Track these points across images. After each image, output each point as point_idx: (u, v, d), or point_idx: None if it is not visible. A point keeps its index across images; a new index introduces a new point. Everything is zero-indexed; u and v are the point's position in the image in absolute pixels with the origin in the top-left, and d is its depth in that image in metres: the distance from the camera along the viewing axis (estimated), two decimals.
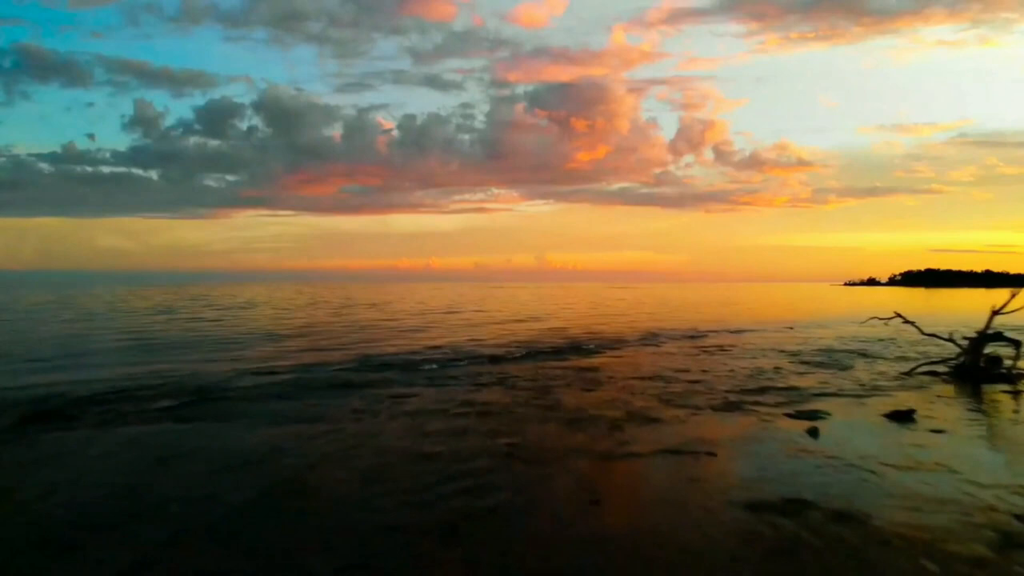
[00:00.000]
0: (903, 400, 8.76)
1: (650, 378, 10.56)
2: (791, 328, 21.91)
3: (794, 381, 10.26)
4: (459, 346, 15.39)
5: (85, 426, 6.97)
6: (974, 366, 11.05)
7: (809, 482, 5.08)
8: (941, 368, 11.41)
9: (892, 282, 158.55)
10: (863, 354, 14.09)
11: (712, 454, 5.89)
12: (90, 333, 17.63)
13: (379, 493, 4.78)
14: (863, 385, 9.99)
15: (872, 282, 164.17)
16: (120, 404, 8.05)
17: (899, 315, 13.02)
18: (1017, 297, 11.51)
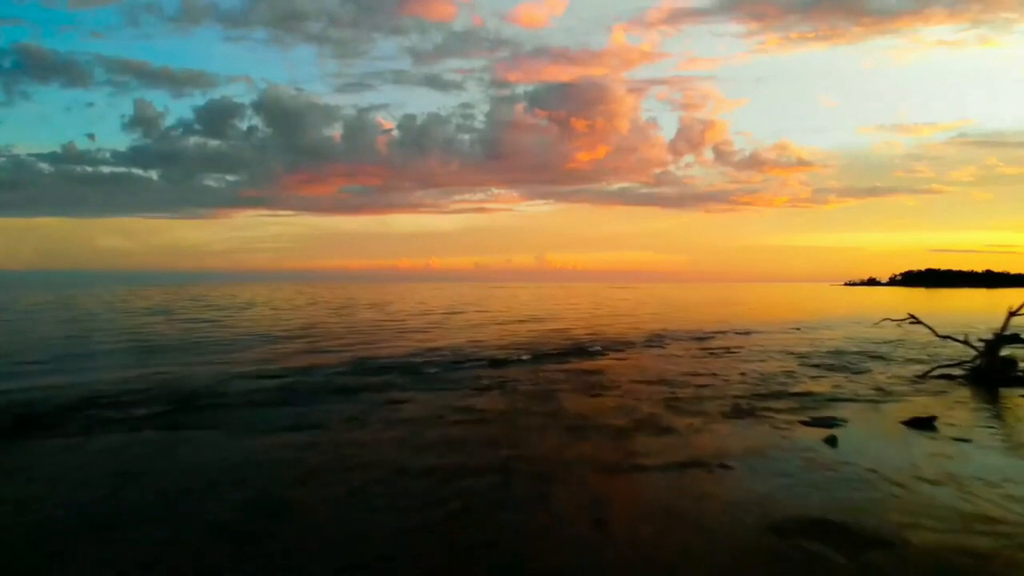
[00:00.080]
0: (921, 405, 8.41)
1: (656, 382, 10.21)
2: (798, 329, 21.54)
3: (806, 385, 9.90)
4: (459, 348, 15.04)
5: (65, 435, 6.63)
6: (991, 369, 10.69)
7: (834, 499, 4.72)
8: (956, 371, 11.05)
9: (892, 282, 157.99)
10: (874, 356, 13.73)
11: (726, 467, 5.53)
12: (85, 334, 17.31)
13: (367, 515, 4.40)
14: (878, 389, 9.64)
15: (872, 282, 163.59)
16: (105, 410, 7.71)
17: (913, 316, 12.66)
18: None
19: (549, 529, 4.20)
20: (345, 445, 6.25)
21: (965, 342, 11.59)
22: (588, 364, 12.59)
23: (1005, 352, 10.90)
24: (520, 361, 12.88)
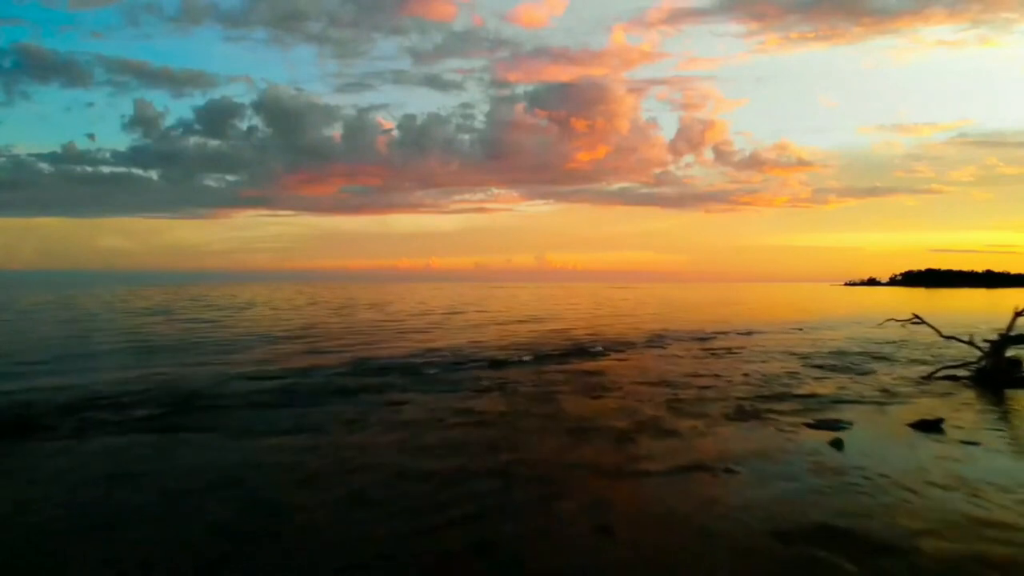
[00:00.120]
0: (926, 407, 8.30)
1: (658, 383, 10.10)
2: (800, 329, 21.42)
3: (810, 387, 9.79)
4: (459, 349, 14.93)
5: (59, 437, 6.53)
6: (996, 370, 10.57)
7: (841, 504, 4.62)
8: (961, 372, 10.94)
9: (893, 282, 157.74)
10: (877, 357, 13.62)
11: (731, 471, 5.42)
12: (84, 335, 17.22)
13: (364, 521, 4.29)
14: (882, 391, 9.53)
15: (872, 282, 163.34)
16: (104, 412, 7.62)
17: (917, 317, 12.55)
18: None
19: (549, 535, 4.10)
20: (344, 448, 6.15)
21: (970, 343, 11.48)
22: (589, 365, 12.48)
23: (1011, 353, 10.79)
24: (520, 362, 12.77)
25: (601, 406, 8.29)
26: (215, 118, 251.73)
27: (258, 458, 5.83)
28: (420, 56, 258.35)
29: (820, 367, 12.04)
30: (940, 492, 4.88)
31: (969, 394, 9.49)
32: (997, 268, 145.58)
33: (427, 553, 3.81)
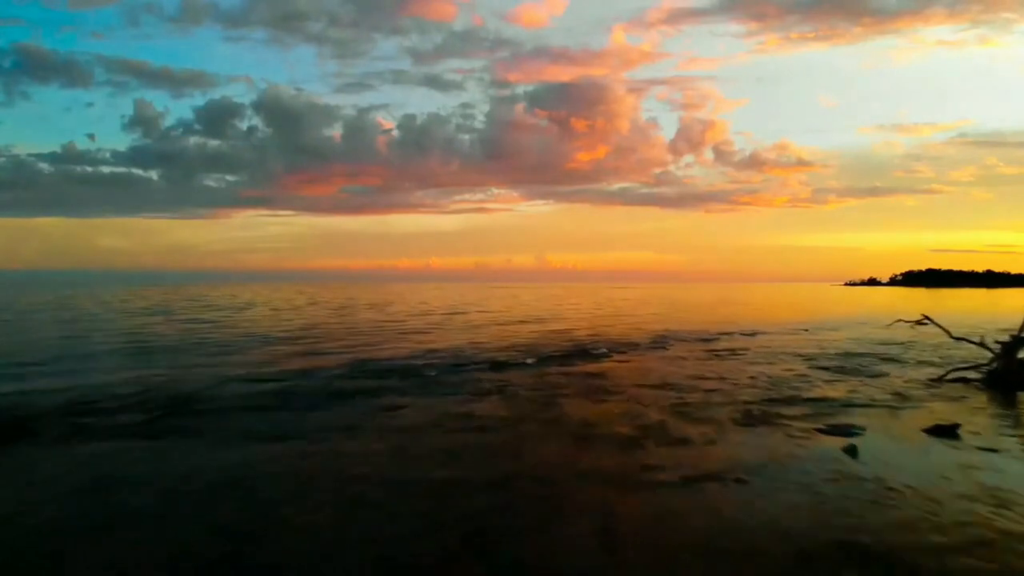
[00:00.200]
0: (939, 411, 8.08)
1: (662, 386, 9.87)
2: (806, 330, 21.17)
3: (819, 390, 9.55)
4: (459, 350, 14.71)
5: (56, 439, 6.36)
6: (1008, 372, 10.33)
7: (861, 517, 4.38)
8: (972, 374, 10.70)
9: (893, 282, 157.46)
10: (885, 358, 13.38)
11: (742, 480, 5.19)
12: (82, 335, 17.01)
13: (353, 539, 4.04)
14: (893, 394, 9.29)
15: (873, 282, 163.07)
16: (98, 415, 7.43)
17: (926, 317, 12.31)
18: None
19: (552, 546, 3.87)
20: (340, 456, 5.92)
21: (981, 344, 11.24)
22: (591, 367, 12.25)
23: (1023, 354, 10.56)
24: (521, 364, 12.54)
25: (604, 410, 8.06)
26: (215, 118, 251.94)
27: (255, 463, 5.63)
28: (420, 56, 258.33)
29: (827, 369, 11.80)
30: (965, 503, 4.65)
31: (981, 397, 9.26)
32: (997, 268, 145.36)
33: (427, 555, 3.62)
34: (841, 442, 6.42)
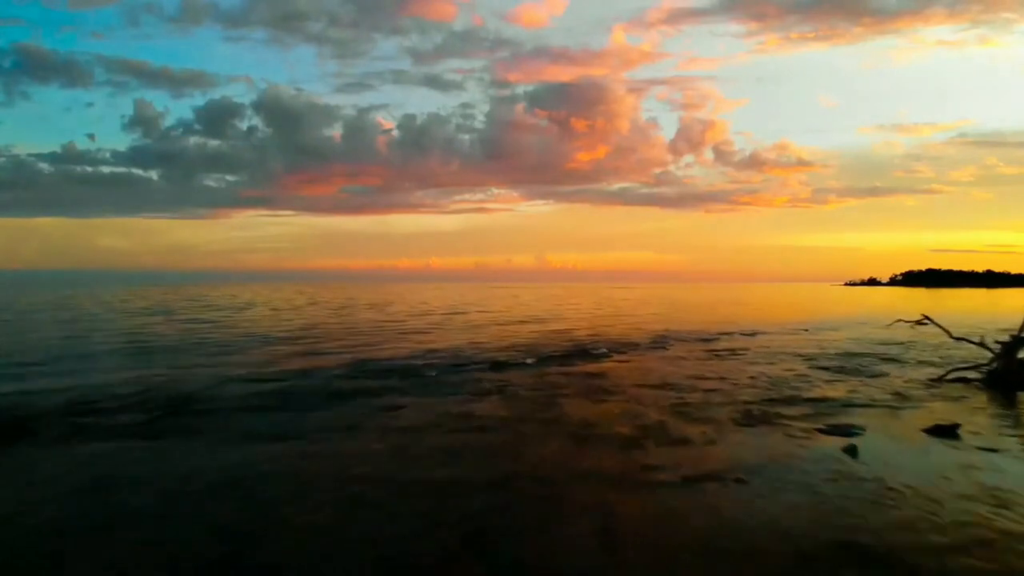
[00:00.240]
0: (939, 411, 8.08)
1: (662, 386, 9.86)
2: (806, 330, 21.17)
3: (819, 390, 9.55)
4: (459, 350, 14.71)
5: (42, 443, 6.33)
6: (1008, 372, 10.33)
7: (861, 517, 4.37)
8: (972, 374, 10.70)
9: (893, 282, 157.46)
10: (885, 358, 13.37)
11: (742, 481, 5.18)
12: (81, 335, 17.00)
13: (353, 539, 4.04)
14: (893, 394, 9.29)
15: (873, 282, 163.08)
16: (89, 416, 7.40)
17: (926, 317, 12.31)
18: None
19: (552, 546, 3.87)
20: (340, 456, 5.92)
21: (981, 344, 11.24)
22: (591, 367, 12.25)
23: (1023, 354, 10.55)
24: (521, 364, 12.54)
25: (604, 410, 8.05)
26: (215, 118, 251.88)
27: (255, 463, 5.63)
28: (420, 56, 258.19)
29: (827, 369, 11.80)
30: (965, 504, 4.64)
31: (981, 397, 9.26)
32: (997, 268, 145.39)
33: (427, 555, 3.62)
34: (841, 442, 6.42)
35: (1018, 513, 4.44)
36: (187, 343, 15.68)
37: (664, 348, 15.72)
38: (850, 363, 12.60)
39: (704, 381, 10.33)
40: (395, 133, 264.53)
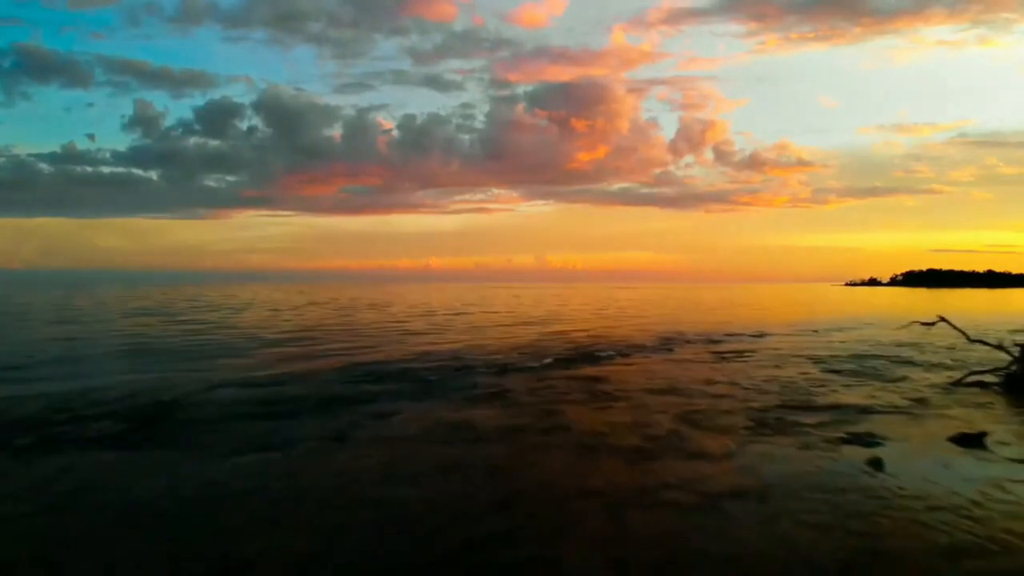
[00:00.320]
0: (961, 417, 7.68)
1: (670, 391, 9.46)
2: (815, 332, 20.74)
3: (834, 395, 9.14)
4: (458, 352, 14.31)
5: (6, 455, 5.91)
6: None
7: (897, 541, 3.95)
8: (990, 378, 10.30)
9: (893, 282, 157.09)
10: (897, 361, 12.96)
11: (762, 498, 4.78)
12: (69, 337, 16.61)
13: (335, 571, 3.62)
14: (910, 399, 8.88)
15: (874, 282, 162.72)
16: (64, 425, 6.97)
17: (943, 319, 11.93)
18: None
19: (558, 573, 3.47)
20: (326, 472, 5.51)
21: (999, 346, 10.86)
22: (595, 370, 11.85)
23: None
24: (523, 367, 12.13)
25: (611, 419, 7.65)
26: (215, 118, 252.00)
27: (233, 479, 5.20)
28: (420, 56, 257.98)
29: (840, 372, 11.39)
30: (1009, 522, 4.23)
31: (1002, 402, 8.87)
32: (998, 268, 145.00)
33: None
34: (864, 453, 6.02)
35: None
36: (181, 345, 15.31)
37: (670, 350, 15.31)
38: (863, 366, 12.20)
39: (713, 386, 9.93)
40: (395, 133, 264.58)
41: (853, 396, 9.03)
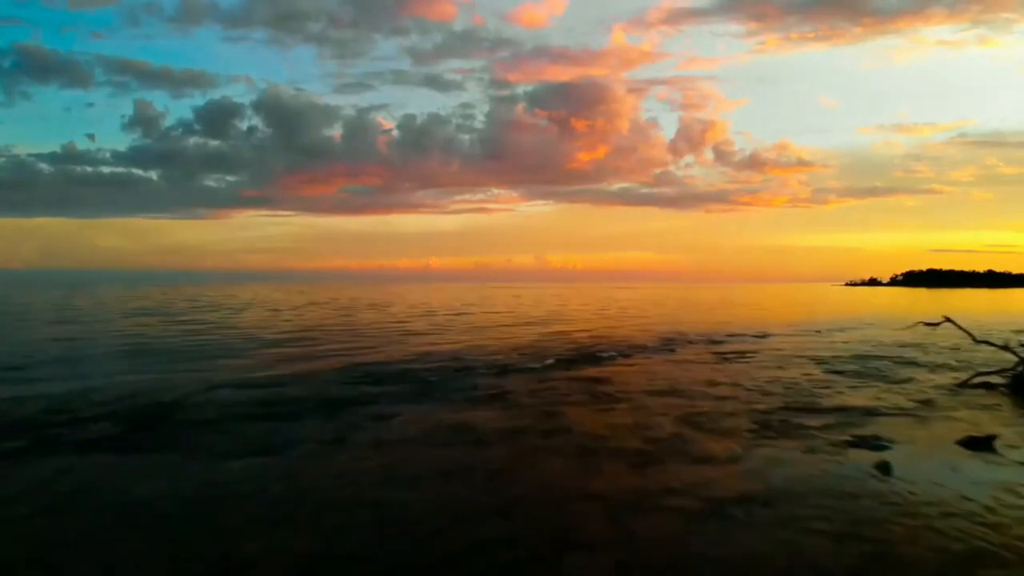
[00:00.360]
0: (969, 420, 7.59)
1: (672, 393, 9.37)
2: (818, 332, 20.64)
3: (839, 396, 9.05)
4: (457, 353, 14.22)
5: (6, 456, 5.83)
6: None
7: (910, 549, 3.89)
8: (997, 379, 10.21)
9: (894, 282, 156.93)
10: (901, 362, 12.87)
11: (769, 505, 4.70)
12: (69, 337, 16.54)
13: (339, 561, 3.55)
14: (916, 401, 8.79)
15: (874, 282, 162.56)
16: (61, 427, 6.90)
17: (949, 319, 11.84)
18: None
19: None
20: (324, 475, 5.43)
21: (1006, 347, 10.77)
22: (596, 371, 11.76)
23: None
24: (523, 368, 12.05)
25: (613, 421, 7.56)
26: (215, 118, 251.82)
27: (231, 482, 5.13)
28: (420, 56, 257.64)
29: (843, 373, 11.30)
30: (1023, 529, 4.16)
31: (1008, 404, 8.78)
32: (998, 268, 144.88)
33: None
34: (871, 457, 5.93)
35: None
36: (181, 345, 15.23)
37: (671, 351, 15.22)
38: (866, 367, 12.10)
39: (716, 387, 9.84)
40: (395, 133, 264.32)
41: (858, 398, 8.95)
